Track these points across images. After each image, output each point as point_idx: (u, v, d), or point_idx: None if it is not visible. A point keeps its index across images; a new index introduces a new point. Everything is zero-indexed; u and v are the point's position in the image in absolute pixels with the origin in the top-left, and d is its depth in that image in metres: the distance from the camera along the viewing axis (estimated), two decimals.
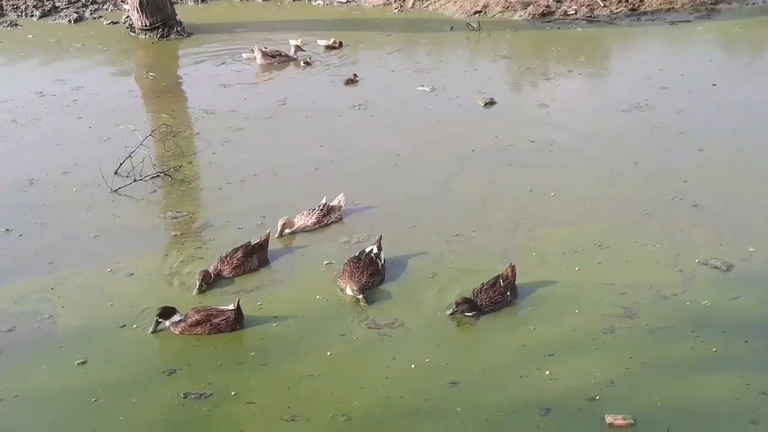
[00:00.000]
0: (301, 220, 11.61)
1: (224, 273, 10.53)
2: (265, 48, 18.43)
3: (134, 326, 9.66)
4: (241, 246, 10.78)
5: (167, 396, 8.61)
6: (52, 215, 12.17)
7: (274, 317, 9.78)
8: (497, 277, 9.91)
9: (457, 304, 9.53)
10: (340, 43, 19.21)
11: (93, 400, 8.58)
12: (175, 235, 11.69)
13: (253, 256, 10.76)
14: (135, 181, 12.94)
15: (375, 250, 10.50)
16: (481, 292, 9.72)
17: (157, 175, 13.17)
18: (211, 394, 8.60)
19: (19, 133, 15.02)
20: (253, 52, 18.36)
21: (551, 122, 14.93)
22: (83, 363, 9.10)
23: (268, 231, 11.18)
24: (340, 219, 11.80)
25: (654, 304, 9.75)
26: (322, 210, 11.66)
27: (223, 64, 18.47)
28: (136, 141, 13.50)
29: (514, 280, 10.01)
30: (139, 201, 12.60)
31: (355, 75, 17.37)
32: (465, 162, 13.47)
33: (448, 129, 14.73)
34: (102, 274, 10.73)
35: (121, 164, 13.16)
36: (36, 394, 8.72)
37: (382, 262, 10.47)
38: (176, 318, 9.50)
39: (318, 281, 10.46)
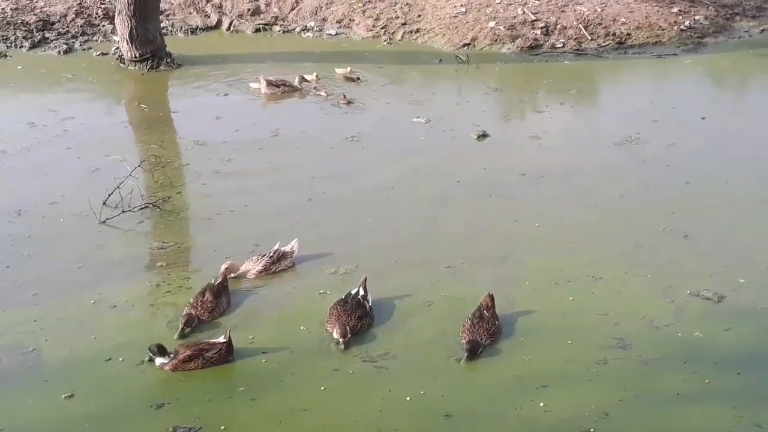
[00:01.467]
0: (248, 266, 11.32)
1: (203, 317, 10.32)
2: (274, 78, 18.42)
3: (120, 359, 9.54)
4: (206, 288, 10.60)
5: (156, 430, 8.50)
6: (38, 246, 12.06)
7: (264, 351, 9.69)
8: (479, 310, 9.88)
9: (470, 351, 9.38)
10: (358, 78, 19.14)
11: None
12: (161, 265, 11.60)
13: (222, 296, 10.59)
14: (123, 212, 12.85)
15: (362, 292, 10.38)
16: (474, 328, 9.64)
17: (146, 206, 13.09)
18: (201, 428, 8.50)
19: (8, 163, 14.94)
20: (259, 81, 18.36)
21: (543, 155, 14.96)
22: (70, 397, 8.98)
23: (222, 269, 11.01)
24: (293, 266, 11.49)
25: (646, 335, 9.73)
26: (271, 257, 11.36)
27: (226, 95, 18.42)
28: (125, 172, 13.44)
29: (494, 308, 9.97)
30: (126, 232, 12.50)
31: (345, 96, 17.59)
32: (457, 195, 13.47)
33: (441, 162, 14.71)
34: (84, 307, 10.62)
35: (109, 195, 13.09)
36: (23, 427, 8.61)
37: (370, 304, 10.33)
38: (164, 360, 9.37)
39: (310, 314, 10.34)
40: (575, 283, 10.82)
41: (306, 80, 18.46)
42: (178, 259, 11.76)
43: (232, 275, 11.17)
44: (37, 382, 9.26)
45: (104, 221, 12.66)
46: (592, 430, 8.26)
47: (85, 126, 16.58)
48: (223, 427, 8.50)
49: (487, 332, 9.60)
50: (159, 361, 9.37)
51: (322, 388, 9.05)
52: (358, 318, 9.99)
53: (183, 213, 13.16)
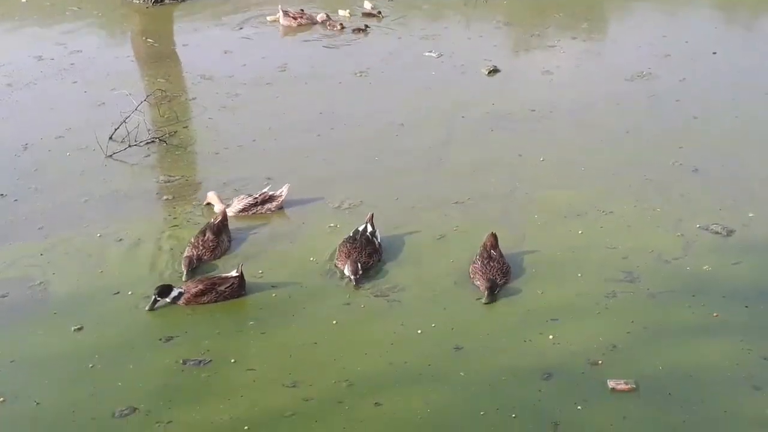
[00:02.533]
0: (233, 202, 11.24)
1: (205, 257, 10.22)
2: (293, 10, 18.28)
3: (129, 293, 9.54)
4: (206, 227, 10.50)
5: (165, 362, 8.52)
6: (44, 180, 12.06)
7: (273, 286, 9.66)
8: (486, 250, 9.79)
9: (490, 291, 9.29)
10: (379, 12, 18.93)
11: (90, 365, 8.48)
12: (168, 199, 11.59)
13: (222, 235, 10.50)
14: (130, 146, 12.82)
15: (370, 228, 10.31)
16: (486, 268, 9.54)
17: (152, 141, 13.04)
18: (210, 360, 8.51)
19: (14, 97, 14.88)
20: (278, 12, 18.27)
21: (554, 90, 14.86)
22: (79, 329, 8.99)
23: (222, 208, 10.97)
24: (281, 209, 11.30)
25: (655, 269, 9.70)
26: (255, 198, 11.24)
27: (237, 28, 18.28)
28: (131, 106, 13.36)
29: (499, 246, 9.91)
30: (132, 166, 12.47)
31: (366, 26, 17.62)
32: (466, 130, 13.39)
33: (451, 98, 14.60)
34: (91, 240, 10.62)
35: (115, 129, 13.04)
36: (32, 359, 8.63)
37: (379, 240, 10.29)
38: (175, 293, 9.34)
39: (320, 248, 10.32)
40: (584, 217, 10.78)
41: (330, 19, 18.24)
42: (185, 193, 11.74)
43: (221, 206, 11.10)
44: (45, 314, 9.27)
45: (110, 155, 12.63)
46: (600, 361, 8.26)
47: (91, 60, 16.50)
48: (233, 360, 8.50)
49: (500, 272, 9.53)
50: (171, 296, 9.32)
51: (334, 322, 9.04)
52: (369, 255, 9.95)
53: (190, 147, 13.11)
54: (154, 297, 9.28)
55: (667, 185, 11.52)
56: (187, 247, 10.27)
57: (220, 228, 10.54)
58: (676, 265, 9.78)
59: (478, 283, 9.47)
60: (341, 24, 17.99)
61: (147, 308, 9.28)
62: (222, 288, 9.42)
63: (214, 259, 10.27)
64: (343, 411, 7.78)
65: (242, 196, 11.32)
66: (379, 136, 13.26)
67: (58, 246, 10.49)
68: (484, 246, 9.85)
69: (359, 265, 9.70)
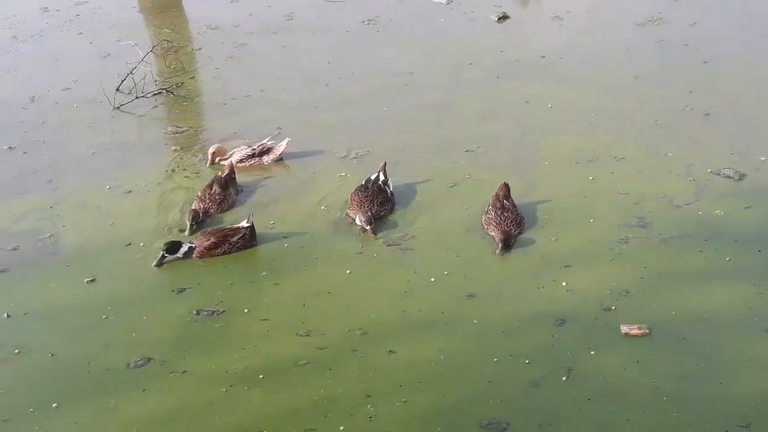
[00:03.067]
0: (234, 153, 11.17)
1: (211, 211, 10.19)
2: None
3: (141, 244, 9.56)
4: (213, 180, 10.46)
5: (179, 313, 8.55)
6: (52, 132, 12.08)
7: (285, 236, 9.65)
8: (499, 200, 9.73)
9: (505, 242, 9.21)
10: None
11: (104, 317, 8.52)
12: (176, 150, 11.58)
13: (230, 188, 10.46)
14: (137, 97, 12.79)
15: (382, 177, 10.27)
16: (500, 219, 9.47)
17: (160, 92, 13.00)
18: (224, 311, 8.53)
19: (20, 49, 14.84)
20: None
21: (564, 36, 14.71)
22: (92, 281, 9.02)
23: (228, 161, 10.92)
24: (281, 160, 11.23)
25: (667, 214, 9.65)
26: (253, 150, 11.18)
27: None
28: (137, 57, 13.29)
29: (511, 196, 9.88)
30: (140, 117, 12.47)
31: None
32: (474, 78, 13.28)
33: (460, 46, 14.47)
34: (100, 192, 10.64)
35: (122, 81, 12.99)
36: (46, 311, 8.68)
37: (391, 189, 10.25)
38: (185, 248, 9.32)
39: (331, 198, 10.31)
40: (595, 163, 10.73)
41: None
42: (193, 143, 11.73)
43: (218, 159, 11.08)
44: (57, 267, 9.32)
45: (118, 107, 12.61)
46: (613, 307, 8.25)
47: (96, 11, 16.42)
48: (246, 310, 8.52)
49: (514, 222, 9.47)
50: (181, 252, 9.30)
51: (347, 271, 9.03)
52: (380, 204, 9.92)
53: (197, 98, 13.09)
54: (162, 253, 9.26)
55: (678, 130, 11.44)
56: (195, 201, 10.25)
57: (227, 181, 10.51)
58: (688, 210, 9.73)
59: (493, 233, 9.41)
60: None
61: (154, 264, 9.25)
62: (234, 239, 9.40)
63: (222, 212, 10.25)
64: (356, 359, 7.80)
65: (241, 147, 11.26)
66: (387, 84, 13.17)
67: (67, 198, 10.52)
68: (497, 196, 9.80)
69: (371, 214, 9.67)
